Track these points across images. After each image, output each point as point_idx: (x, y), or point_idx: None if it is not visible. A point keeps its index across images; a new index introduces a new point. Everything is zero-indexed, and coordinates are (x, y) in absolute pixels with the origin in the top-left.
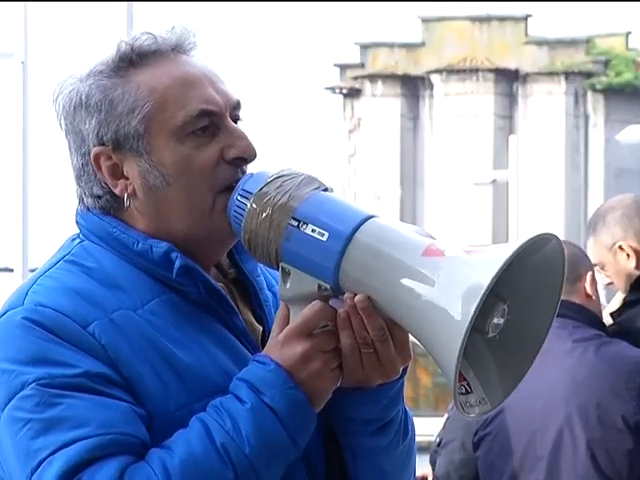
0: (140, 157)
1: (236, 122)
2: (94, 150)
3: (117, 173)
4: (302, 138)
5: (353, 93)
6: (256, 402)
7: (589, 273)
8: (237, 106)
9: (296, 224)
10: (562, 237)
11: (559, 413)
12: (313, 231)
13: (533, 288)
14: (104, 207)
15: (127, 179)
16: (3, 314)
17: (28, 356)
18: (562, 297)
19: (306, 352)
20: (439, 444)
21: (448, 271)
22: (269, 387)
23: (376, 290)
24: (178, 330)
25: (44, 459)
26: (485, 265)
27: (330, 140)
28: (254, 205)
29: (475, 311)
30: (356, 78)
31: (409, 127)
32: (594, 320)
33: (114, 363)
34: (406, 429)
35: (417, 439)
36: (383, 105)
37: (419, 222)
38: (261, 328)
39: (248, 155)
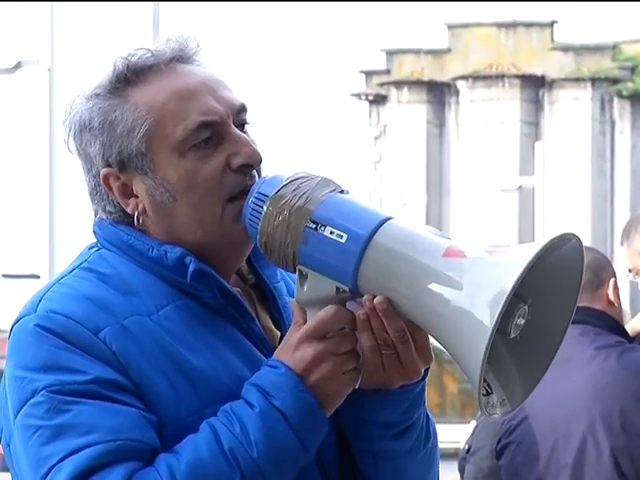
0: (146, 175)
1: (243, 127)
2: (102, 172)
3: (127, 192)
4: (328, 145)
5: (379, 99)
6: (266, 406)
7: (612, 280)
8: (242, 110)
9: (314, 226)
10: (588, 243)
11: (582, 421)
12: (331, 233)
13: (552, 288)
14: (116, 221)
15: (137, 197)
16: (17, 321)
17: (40, 363)
18: (584, 304)
19: (318, 355)
20: (468, 451)
21: (473, 274)
22: (280, 391)
23: (397, 292)
24: (193, 335)
25: (53, 466)
26: (509, 266)
27: (356, 147)
28: (270, 208)
29: (499, 315)
30: (382, 84)
31: (435, 133)
32: (616, 327)
33: (125, 369)
34: (428, 434)
35: (444, 446)
36: (409, 111)
37: (445, 228)
38: (279, 333)
39: (254, 161)
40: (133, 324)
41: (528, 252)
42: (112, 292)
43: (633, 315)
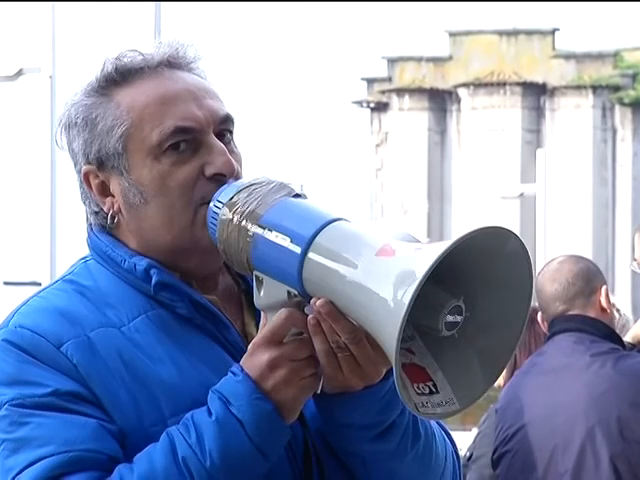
0: (121, 175)
1: (224, 136)
2: (83, 169)
3: (105, 191)
4: (329, 152)
5: (380, 107)
6: (223, 414)
7: (603, 287)
8: (225, 120)
9: (261, 231)
10: (590, 250)
11: (580, 428)
12: (277, 237)
13: (503, 288)
14: (102, 224)
15: (114, 197)
16: None
17: (5, 377)
18: (577, 311)
19: (272, 360)
20: (469, 458)
21: (383, 264)
22: (237, 398)
23: (335, 292)
24: (162, 346)
25: (14, 477)
26: (421, 257)
27: (357, 154)
28: (224, 215)
29: (411, 294)
30: (383, 92)
31: (436, 141)
32: (610, 334)
33: (85, 381)
34: (417, 434)
35: None
36: (410, 119)
37: (446, 236)
38: None
39: (227, 171)
40: (98, 337)
41: (442, 245)
42: (87, 305)
43: (635, 320)
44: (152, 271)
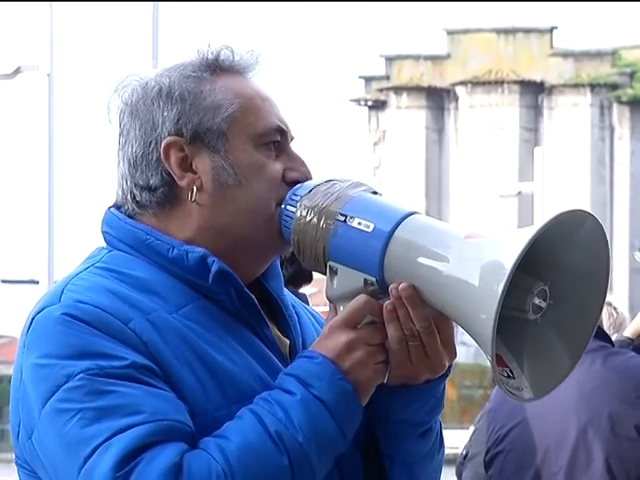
0: (216, 153)
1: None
2: (167, 139)
3: (185, 165)
4: (327, 150)
5: (378, 105)
6: (305, 394)
7: None
8: (292, 138)
9: (343, 219)
10: None
11: (572, 427)
12: (359, 224)
13: (578, 270)
14: (159, 201)
15: (195, 173)
16: (39, 312)
17: (71, 350)
18: None
19: (350, 341)
20: (465, 456)
21: (471, 249)
22: (317, 379)
23: (420, 278)
24: (213, 335)
25: (99, 445)
26: (510, 242)
27: (355, 152)
28: (302, 207)
29: (504, 282)
30: (381, 90)
31: (434, 139)
32: (598, 331)
33: (156, 359)
34: (442, 441)
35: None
36: (408, 117)
37: None
38: (288, 341)
39: (306, 180)
40: (158, 320)
41: (531, 230)
42: (131, 290)
43: (632, 319)
44: (210, 259)
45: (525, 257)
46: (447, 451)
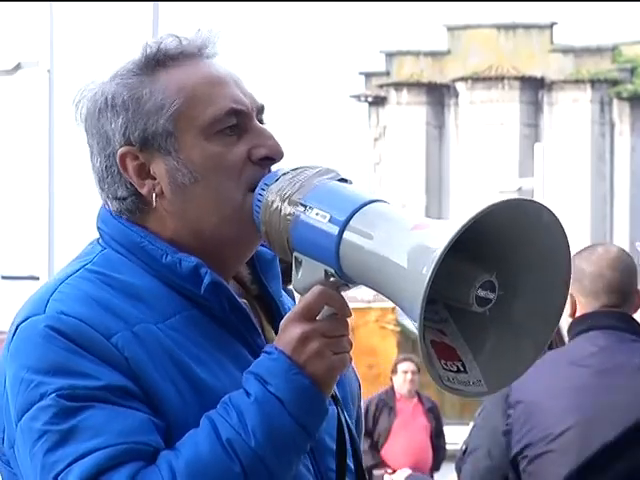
0: (168, 155)
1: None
2: (120, 150)
3: (143, 173)
4: (327, 146)
5: (378, 101)
6: (261, 393)
7: None
8: (261, 110)
9: (302, 209)
10: (588, 244)
11: (637, 431)
12: (317, 214)
13: (542, 264)
14: (130, 209)
15: (154, 179)
16: (24, 320)
17: (49, 366)
18: (621, 309)
19: (304, 334)
20: (465, 451)
21: (413, 238)
22: (273, 376)
23: (369, 270)
24: (197, 347)
25: (60, 472)
26: (448, 229)
27: (355, 148)
28: (268, 197)
29: (432, 266)
30: (381, 86)
31: (434, 135)
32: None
33: (136, 376)
34: None
35: None
36: (408, 113)
37: None
38: None
39: (276, 154)
40: (142, 331)
41: (468, 215)
42: (118, 297)
43: None
44: (203, 270)
45: (481, 250)
46: (448, 447)
